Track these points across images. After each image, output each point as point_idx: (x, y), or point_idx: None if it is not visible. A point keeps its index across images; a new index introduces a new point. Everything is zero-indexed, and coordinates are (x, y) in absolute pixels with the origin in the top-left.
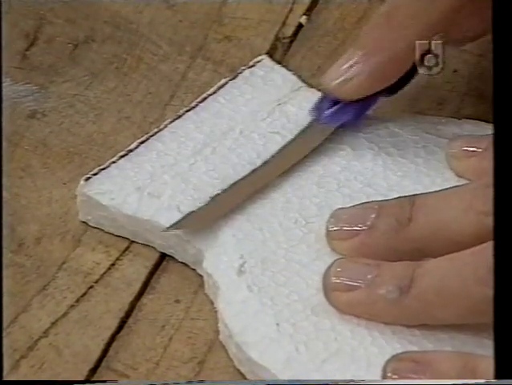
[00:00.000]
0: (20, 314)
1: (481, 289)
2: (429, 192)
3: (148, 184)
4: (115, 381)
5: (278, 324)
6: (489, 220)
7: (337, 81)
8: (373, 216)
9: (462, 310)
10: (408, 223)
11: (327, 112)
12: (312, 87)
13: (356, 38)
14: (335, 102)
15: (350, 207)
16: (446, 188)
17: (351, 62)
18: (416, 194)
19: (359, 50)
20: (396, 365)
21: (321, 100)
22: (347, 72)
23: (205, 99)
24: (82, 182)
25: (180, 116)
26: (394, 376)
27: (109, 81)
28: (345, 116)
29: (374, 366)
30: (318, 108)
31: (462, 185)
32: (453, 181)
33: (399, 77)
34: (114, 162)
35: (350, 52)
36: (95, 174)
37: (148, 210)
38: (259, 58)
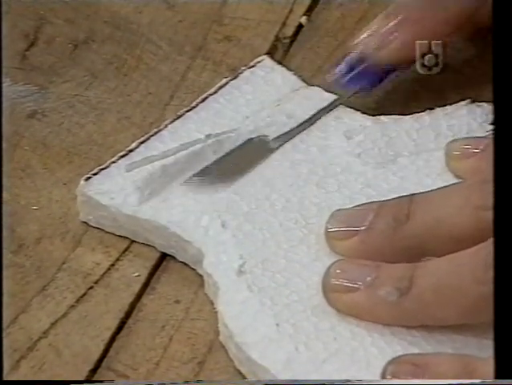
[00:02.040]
0: (20, 314)
1: (479, 287)
2: (427, 191)
3: (148, 184)
4: (113, 381)
5: (278, 324)
6: (487, 215)
7: (376, 45)
8: (372, 216)
9: (461, 310)
10: (406, 221)
11: (348, 76)
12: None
13: (395, 5)
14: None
15: (349, 208)
16: (444, 186)
17: (392, 28)
18: (415, 193)
19: (400, 16)
20: (395, 367)
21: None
22: (388, 38)
23: (205, 99)
24: (82, 182)
25: (180, 116)
26: (393, 379)
27: (109, 81)
28: (364, 81)
29: (373, 366)
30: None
31: (459, 182)
32: (453, 182)
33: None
34: (114, 162)
35: (388, 17)
36: (95, 174)
37: (148, 210)
38: (260, 58)
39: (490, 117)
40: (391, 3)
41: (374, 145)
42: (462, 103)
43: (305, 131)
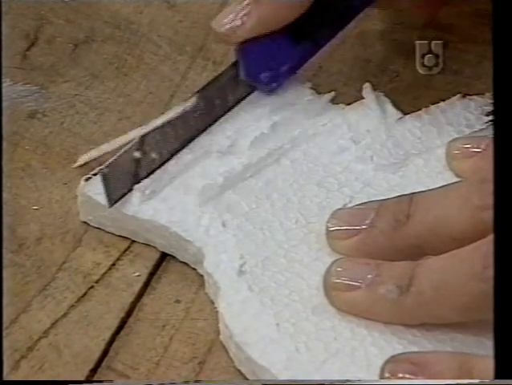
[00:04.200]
0: (20, 314)
1: (478, 284)
2: (428, 190)
3: (148, 184)
4: (113, 381)
5: (278, 324)
6: (486, 215)
7: (228, 26)
8: (372, 215)
9: (460, 307)
10: (406, 220)
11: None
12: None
13: None
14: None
15: (350, 207)
16: (444, 186)
17: (242, 8)
18: (415, 192)
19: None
20: (394, 366)
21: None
22: (238, 17)
23: None
24: (82, 182)
25: None
26: (391, 377)
27: (109, 81)
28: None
29: (374, 366)
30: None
31: (459, 182)
32: (453, 181)
33: (290, 21)
34: None
35: None
36: (95, 174)
37: (148, 210)
38: None
39: (485, 109)
40: None
41: (382, 147)
42: (454, 98)
43: (309, 137)
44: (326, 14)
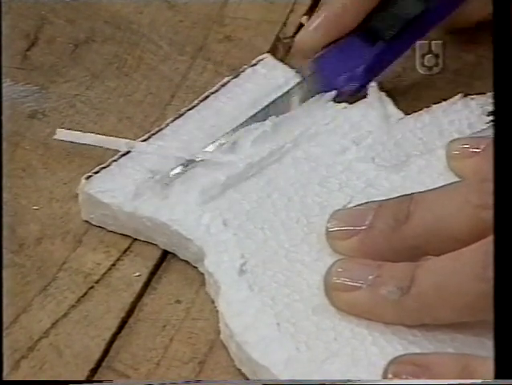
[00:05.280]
0: (21, 314)
1: (479, 285)
2: (427, 190)
3: (149, 182)
4: (113, 381)
5: (278, 324)
6: (486, 214)
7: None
8: (372, 215)
9: (461, 307)
10: (405, 220)
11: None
12: None
13: None
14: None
15: (349, 207)
16: (443, 186)
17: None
18: (415, 192)
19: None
20: (397, 367)
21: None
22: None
23: (207, 97)
24: (83, 180)
25: (181, 115)
26: (394, 379)
27: (110, 81)
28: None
29: (374, 366)
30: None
31: (459, 182)
32: (453, 181)
33: (360, 18)
34: (115, 160)
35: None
36: (96, 172)
37: (149, 208)
38: (261, 56)
39: (486, 108)
40: None
41: (384, 148)
42: (456, 97)
43: (311, 136)
44: (397, 14)
